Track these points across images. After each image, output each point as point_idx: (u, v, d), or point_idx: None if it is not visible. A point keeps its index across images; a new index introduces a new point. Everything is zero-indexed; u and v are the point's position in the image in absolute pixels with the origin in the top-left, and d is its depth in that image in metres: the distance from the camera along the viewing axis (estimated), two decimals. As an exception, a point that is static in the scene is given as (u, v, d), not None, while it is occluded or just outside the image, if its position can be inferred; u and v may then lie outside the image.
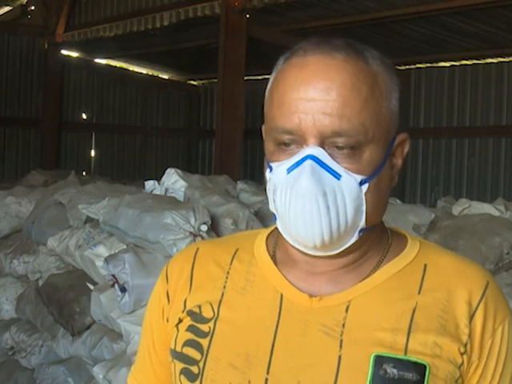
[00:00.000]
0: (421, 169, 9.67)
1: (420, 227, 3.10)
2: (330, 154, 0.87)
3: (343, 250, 0.91)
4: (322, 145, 0.86)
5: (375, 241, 0.96)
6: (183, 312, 0.98)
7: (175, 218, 2.92)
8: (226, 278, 0.98)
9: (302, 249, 0.92)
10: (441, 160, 9.47)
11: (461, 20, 7.15)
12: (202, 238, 2.92)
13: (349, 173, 0.87)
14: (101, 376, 2.82)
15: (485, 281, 0.94)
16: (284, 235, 0.93)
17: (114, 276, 2.92)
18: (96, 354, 3.10)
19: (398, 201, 3.73)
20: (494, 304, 0.93)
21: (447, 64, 9.34)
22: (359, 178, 0.87)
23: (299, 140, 0.88)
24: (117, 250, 3.13)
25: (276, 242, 0.99)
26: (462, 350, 0.90)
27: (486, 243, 2.79)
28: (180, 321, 0.98)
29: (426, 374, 0.86)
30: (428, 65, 9.51)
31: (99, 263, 3.14)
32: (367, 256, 0.95)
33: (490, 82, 8.96)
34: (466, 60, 9.11)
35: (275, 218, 0.93)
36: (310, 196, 0.85)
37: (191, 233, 2.91)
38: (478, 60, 9.01)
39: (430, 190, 9.59)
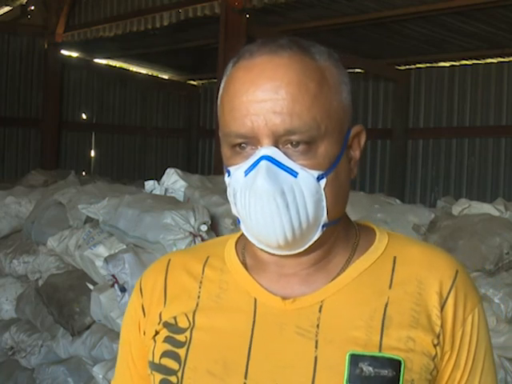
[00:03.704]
0: (421, 169, 9.67)
1: (420, 227, 3.10)
2: (285, 153, 0.87)
3: (308, 247, 0.91)
4: (276, 144, 0.87)
5: (341, 236, 0.96)
6: (159, 324, 0.98)
7: (175, 218, 2.92)
8: (200, 287, 0.98)
9: (267, 249, 0.92)
10: (441, 160, 9.47)
11: (461, 20, 7.15)
12: (202, 238, 2.92)
13: (305, 169, 0.87)
14: (100, 376, 2.82)
15: (454, 270, 0.95)
16: (249, 237, 0.93)
17: (113, 276, 2.92)
18: (96, 353, 3.10)
19: (397, 201, 3.72)
20: (464, 293, 0.94)
21: (447, 64, 9.34)
22: (316, 173, 0.88)
23: (253, 142, 0.88)
24: (117, 250, 3.13)
25: (244, 247, 1.00)
26: (436, 341, 0.91)
27: (485, 243, 2.79)
28: (156, 333, 0.98)
29: (401, 369, 0.87)
30: (428, 65, 9.51)
31: (99, 263, 3.14)
32: (335, 252, 0.96)
33: (489, 82, 8.96)
34: (466, 60, 9.11)
35: (239, 222, 0.94)
36: (267, 196, 0.86)
37: (191, 233, 2.91)
38: (478, 60, 9.01)
39: (429, 189, 9.58)
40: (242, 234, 0.98)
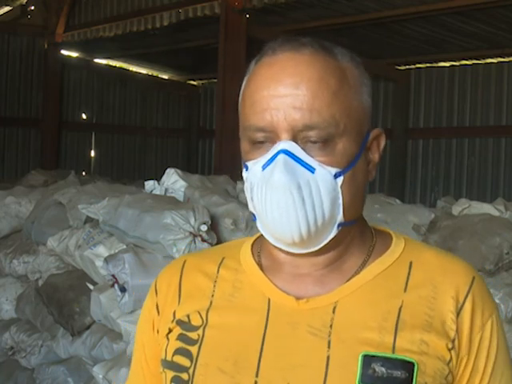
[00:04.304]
0: (421, 169, 9.67)
1: (420, 227, 3.10)
2: (303, 148, 0.87)
3: (323, 246, 0.91)
4: (294, 139, 0.88)
5: (357, 238, 0.96)
6: (172, 322, 0.98)
7: (175, 218, 2.92)
8: (214, 286, 0.99)
9: (281, 246, 0.92)
10: (441, 160, 9.47)
11: (461, 20, 7.15)
12: (202, 238, 2.92)
13: (323, 166, 0.88)
14: (100, 376, 2.82)
15: (471, 276, 0.95)
16: (264, 234, 0.93)
17: (113, 276, 2.92)
18: (96, 354, 3.10)
19: (397, 201, 3.72)
20: (481, 299, 0.94)
21: (447, 64, 9.34)
22: (334, 170, 0.88)
23: (272, 136, 0.89)
24: (117, 250, 3.13)
25: (260, 248, 1.00)
26: (450, 345, 0.90)
27: (485, 243, 2.79)
28: (170, 331, 0.98)
29: (415, 371, 0.87)
30: (428, 65, 9.51)
31: (99, 263, 3.14)
32: (350, 254, 0.96)
33: (489, 82, 8.96)
34: (466, 60, 9.11)
35: (255, 218, 0.94)
36: (284, 189, 0.86)
37: (191, 233, 2.90)
38: (478, 60, 9.01)
39: (430, 189, 9.58)
40: (258, 237, 0.99)
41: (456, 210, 3.36)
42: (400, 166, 9.63)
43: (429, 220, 3.14)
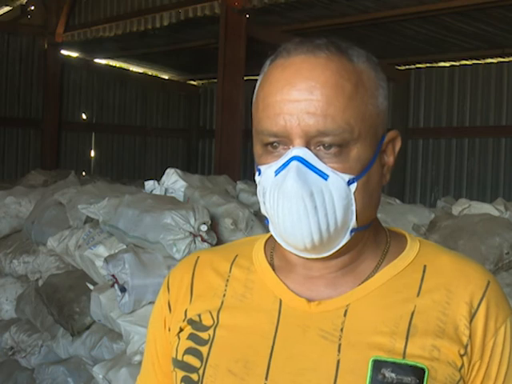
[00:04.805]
0: (421, 169, 9.67)
1: (420, 227, 3.10)
2: (316, 155, 0.86)
3: (336, 251, 0.90)
4: (308, 145, 0.86)
5: (371, 241, 0.95)
6: (184, 321, 0.98)
7: (175, 218, 2.92)
8: (226, 285, 0.98)
9: (293, 251, 0.91)
10: (441, 160, 9.47)
11: (461, 20, 7.15)
12: (202, 238, 2.92)
13: (336, 172, 0.86)
14: (100, 376, 2.82)
15: (486, 280, 0.93)
16: (276, 238, 0.92)
17: (113, 276, 2.92)
18: (96, 354, 3.10)
19: (397, 201, 3.72)
20: (496, 303, 0.92)
21: (447, 64, 9.34)
22: (347, 177, 0.87)
23: (286, 141, 0.87)
24: (117, 250, 3.13)
25: (273, 248, 0.99)
26: (462, 351, 0.89)
27: (485, 243, 2.79)
28: (181, 330, 0.98)
29: (425, 377, 0.86)
30: (428, 65, 9.52)
31: (99, 263, 3.14)
32: (363, 257, 0.94)
33: (489, 82, 8.96)
34: (466, 60, 9.11)
35: (267, 222, 0.93)
36: (296, 197, 0.85)
37: (191, 233, 2.90)
38: (478, 60, 9.02)
39: (430, 189, 9.59)
40: (271, 236, 0.97)
41: (456, 210, 3.36)
42: (400, 165, 9.63)
43: (429, 220, 3.15)
